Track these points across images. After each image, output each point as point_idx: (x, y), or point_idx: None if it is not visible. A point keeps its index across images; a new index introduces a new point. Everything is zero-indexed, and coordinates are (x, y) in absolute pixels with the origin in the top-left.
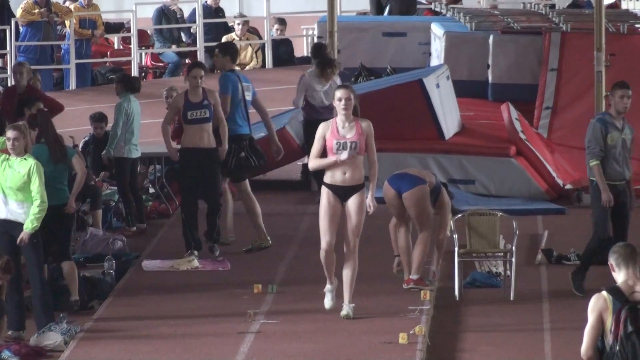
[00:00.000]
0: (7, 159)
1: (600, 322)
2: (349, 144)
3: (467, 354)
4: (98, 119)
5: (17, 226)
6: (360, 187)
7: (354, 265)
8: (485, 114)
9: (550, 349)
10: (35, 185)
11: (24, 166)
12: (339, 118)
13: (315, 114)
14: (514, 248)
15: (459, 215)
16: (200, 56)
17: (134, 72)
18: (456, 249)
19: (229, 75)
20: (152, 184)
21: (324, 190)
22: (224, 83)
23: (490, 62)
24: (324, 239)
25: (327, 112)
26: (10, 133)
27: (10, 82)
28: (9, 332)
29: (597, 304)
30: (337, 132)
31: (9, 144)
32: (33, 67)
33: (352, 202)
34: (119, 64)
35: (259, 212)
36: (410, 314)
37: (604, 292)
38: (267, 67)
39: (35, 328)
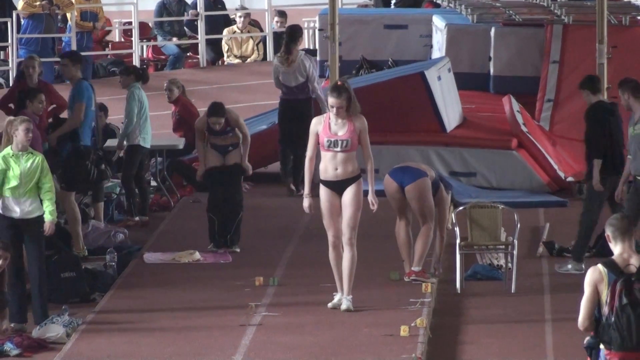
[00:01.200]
0: (13, 155)
1: (596, 294)
2: (340, 142)
3: (469, 346)
4: (98, 108)
5: (28, 222)
6: (355, 179)
7: (352, 256)
8: (486, 106)
9: (552, 341)
10: (48, 177)
11: (32, 160)
12: (332, 115)
13: (287, 94)
14: (515, 240)
15: (461, 208)
16: (202, 49)
17: (136, 64)
18: (457, 241)
19: (86, 84)
20: (153, 176)
21: (321, 187)
22: (80, 91)
23: (491, 54)
24: (329, 233)
25: (300, 92)
26: (26, 124)
27: (12, 75)
28: (12, 325)
29: (593, 276)
30: (328, 128)
31: (25, 135)
32: None
33: (346, 195)
34: (120, 57)
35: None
36: (412, 306)
37: (600, 265)
38: (268, 59)
39: (34, 320)
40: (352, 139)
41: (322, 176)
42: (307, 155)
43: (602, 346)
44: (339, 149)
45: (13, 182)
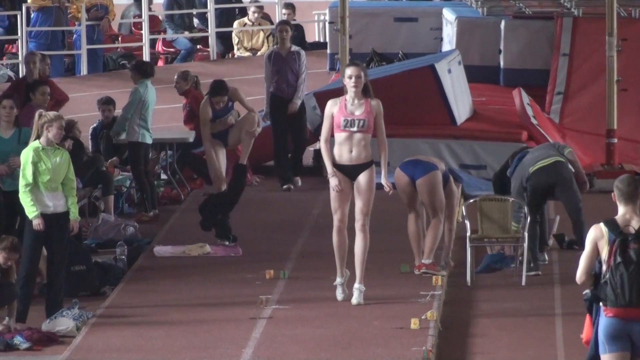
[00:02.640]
0: (43, 149)
1: (595, 251)
2: (356, 122)
3: (479, 339)
4: (105, 101)
5: (58, 217)
6: (368, 164)
7: (365, 243)
8: (496, 99)
9: (562, 334)
10: (72, 173)
11: (60, 155)
12: (349, 95)
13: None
14: (525, 233)
15: (471, 201)
16: (212, 41)
17: (146, 58)
18: (468, 234)
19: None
20: (163, 169)
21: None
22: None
23: (502, 47)
24: (335, 217)
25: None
26: (60, 122)
27: (22, 69)
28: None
29: (594, 234)
30: (345, 109)
31: (59, 133)
32: (44, 52)
33: (360, 180)
34: (130, 50)
35: None
36: (422, 299)
37: (601, 224)
38: None
39: (44, 314)
40: (368, 120)
41: (337, 159)
42: (322, 137)
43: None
44: (355, 128)
45: (46, 176)
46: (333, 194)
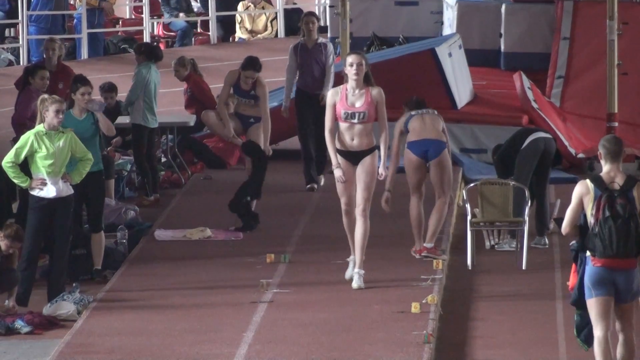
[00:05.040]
0: (45, 133)
1: (581, 205)
2: (357, 114)
3: (480, 323)
4: (108, 89)
5: (61, 201)
6: (370, 150)
7: (365, 227)
8: (497, 83)
9: (563, 318)
10: (82, 148)
11: (63, 139)
12: (349, 84)
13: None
14: (526, 217)
15: (472, 185)
16: (212, 25)
17: (146, 41)
18: (468, 218)
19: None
20: (164, 153)
21: (337, 163)
22: None
23: (502, 30)
24: (342, 200)
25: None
26: (57, 106)
27: (23, 53)
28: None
29: (580, 189)
30: (345, 100)
31: (55, 116)
32: (44, 36)
33: (361, 166)
34: (130, 34)
35: None
36: (423, 283)
37: (587, 180)
38: (278, 36)
39: (46, 298)
40: (369, 111)
41: (339, 147)
42: (327, 127)
43: (588, 253)
44: (356, 120)
45: (48, 160)
46: (337, 179)
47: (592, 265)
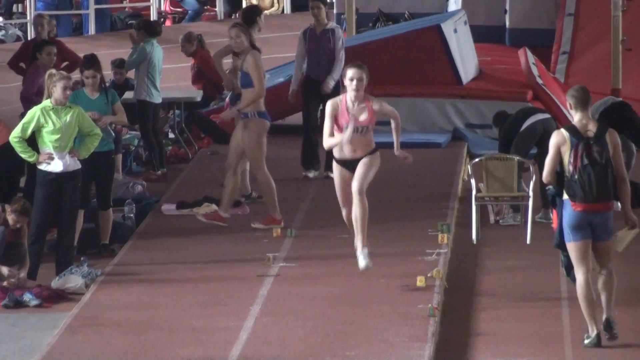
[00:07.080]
0: (53, 109)
1: (559, 154)
2: (359, 128)
3: (484, 297)
4: (119, 64)
5: (68, 176)
6: (369, 154)
7: (362, 207)
8: (502, 59)
9: (567, 291)
10: (89, 123)
11: (70, 113)
12: (349, 96)
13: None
14: (530, 192)
15: (476, 160)
16: (219, 1)
17: (153, 17)
18: (473, 192)
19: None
20: (171, 128)
21: (335, 166)
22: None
23: (507, 7)
24: (344, 211)
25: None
26: (64, 82)
27: (30, 29)
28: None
29: (557, 139)
30: (347, 113)
31: (62, 92)
32: (52, 12)
33: (360, 161)
34: (137, 9)
35: None
36: (428, 257)
37: (562, 130)
38: (285, 12)
39: (54, 272)
40: (371, 124)
41: (338, 156)
42: (325, 136)
43: (565, 197)
44: (358, 134)
45: (55, 135)
46: (337, 188)
47: (572, 210)
